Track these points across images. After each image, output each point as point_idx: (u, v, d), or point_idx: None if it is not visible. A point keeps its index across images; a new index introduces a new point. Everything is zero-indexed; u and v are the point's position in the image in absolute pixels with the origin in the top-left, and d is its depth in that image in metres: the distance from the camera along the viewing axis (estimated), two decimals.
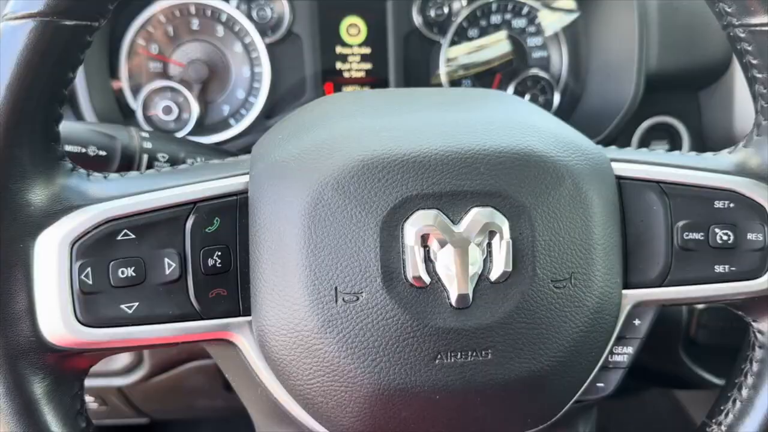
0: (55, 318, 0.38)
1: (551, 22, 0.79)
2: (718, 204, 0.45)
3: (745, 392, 0.47)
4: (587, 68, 0.78)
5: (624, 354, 0.47)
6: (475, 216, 0.39)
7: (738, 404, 0.47)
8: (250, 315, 0.41)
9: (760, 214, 0.45)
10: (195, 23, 0.74)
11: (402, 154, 0.40)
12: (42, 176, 0.39)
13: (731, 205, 0.46)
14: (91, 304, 0.39)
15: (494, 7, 0.78)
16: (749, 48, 0.44)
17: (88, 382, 0.81)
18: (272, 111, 0.76)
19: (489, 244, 0.40)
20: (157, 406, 0.85)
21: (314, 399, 0.41)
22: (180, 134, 0.73)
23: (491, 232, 0.40)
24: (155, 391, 0.79)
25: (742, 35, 0.44)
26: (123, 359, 0.75)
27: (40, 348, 0.38)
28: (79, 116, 0.66)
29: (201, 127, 0.74)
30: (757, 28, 0.43)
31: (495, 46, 0.78)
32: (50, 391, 0.39)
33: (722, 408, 0.48)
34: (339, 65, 0.77)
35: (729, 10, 0.43)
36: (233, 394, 0.79)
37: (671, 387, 0.95)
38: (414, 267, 0.39)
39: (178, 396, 0.82)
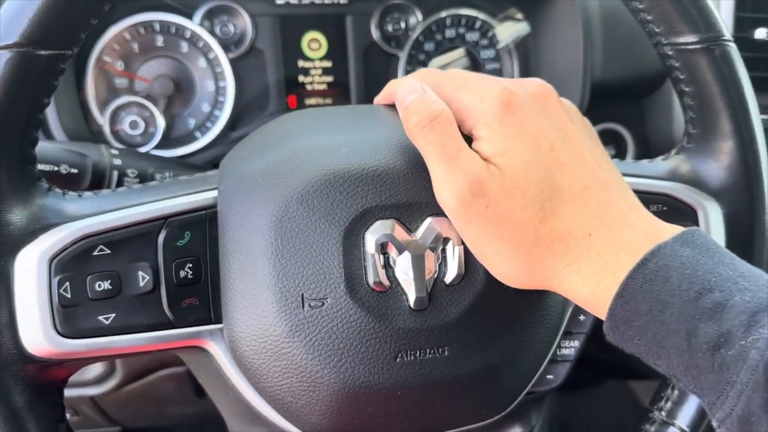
0: (36, 331, 0.40)
1: (507, 35, 0.82)
2: (653, 207, 0.49)
3: None
4: None
5: (571, 347, 0.51)
6: (430, 224, 0.42)
7: (676, 391, 0.51)
8: (221, 323, 0.44)
9: (690, 217, 0.49)
10: (159, 40, 0.76)
11: (362, 168, 0.43)
12: (20, 197, 0.41)
13: (664, 208, 0.50)
14: (69, 317, 0.41)
15: (448, 21, 0.82)
16: (677, 64, 0.48)
17: None
18: (237, 123, 0.79)
19: (443, 250, 0.43)
20: (129, 414, 0.86)
21: (284, 399, 0.43)
22: (147, 148, 0.75)
23: (445, 239, 0.43)
24: (127, 400, 0.81)
25: (670, 53, 0.47)
26: (95, 369, 0.76)
27: (21, 360, 0.40)
28: (48, 134, 0.68)
29: (167, 141, 0.76)
30: (683, 47, 0.47)
31: (456, 62, 0.82)
32: (32, 401, 0.41)
33: (662, 395, 0.52)
34: (301, 78, 0.80)
35: (657, 30, 0.47)
36: (204, 400, 0.81)
37: (625, 378, 1.00)
38: (375, 273, 0.42)
39: (150, 404, 0.83)
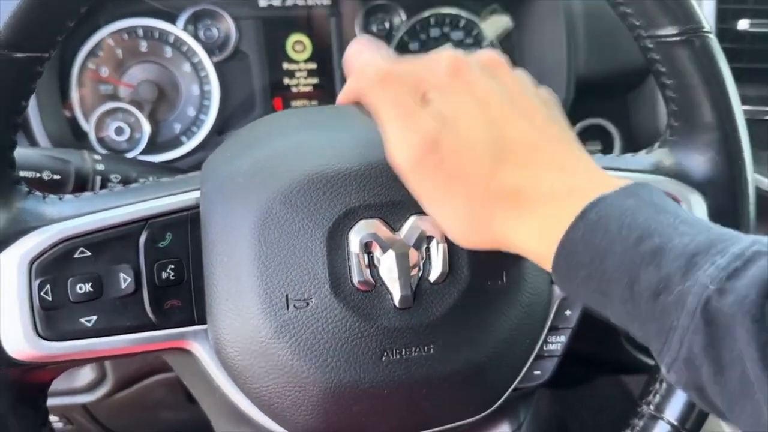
0: (17, 334, 0.40)
1: (492, 31, 0.83)
2: None
3: None
4: None
5: (558, 343, 0.51)
6: (414, 223, 0.43)
7: (664, 384, 0.51)
8: (204, 324, 0.44)
9: None
10: (143, 45, 0.76)
11: (345, 167, 0.43)
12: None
13: None
14: (51, 319, 0.41)
15: (432, 21, 0.82)
16: (657, 57, 0.48)
17: (53, 401, 0.82)
18: (224, 127, 0.78)
19: (427, 248, 0.43)
20: (122, 421, 0.86)
21: (270, 400, 0.43)
22: (133, 153, 0.74)
23: (429, 237, 0.43)
24: (120, 407, 0.80)
25: (651, 46, 0.48)
26: (86, 376, 0.76)
27: (3, 363, 0.40)
28: (32, 141, 0.67)
29: (153, 146, 0.76)
30: (663, 39, 0.47)
31: None
32: (15, 405, 0.41)
33: (650, 389, 0.52)
34: (287, 81, 0.80)
35: (637, 23, 0.47)
36: (197, 405, 0.81)
37: (618, 373, 1.00)
38: (359, 272, 0.42)
39: (142, 410, 0.83)
